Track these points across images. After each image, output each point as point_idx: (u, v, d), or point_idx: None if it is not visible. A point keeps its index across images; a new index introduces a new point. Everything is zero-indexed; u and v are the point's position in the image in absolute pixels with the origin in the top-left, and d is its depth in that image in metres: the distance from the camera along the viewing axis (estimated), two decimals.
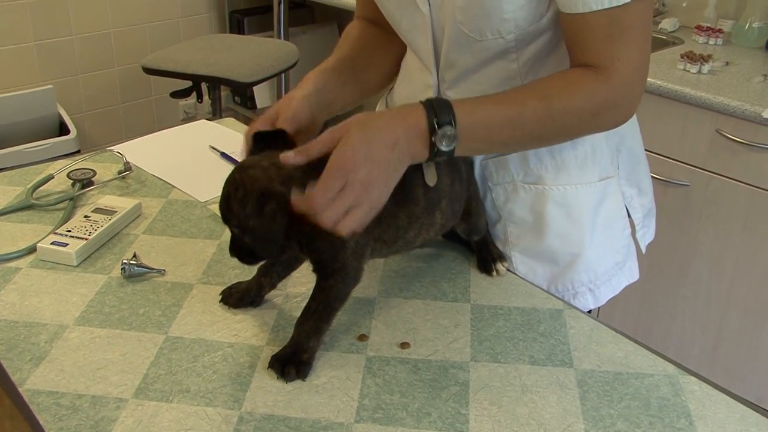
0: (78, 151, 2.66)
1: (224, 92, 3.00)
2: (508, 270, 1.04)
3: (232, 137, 1.42)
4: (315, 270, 0.87)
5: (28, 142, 2.65)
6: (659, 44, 2.32)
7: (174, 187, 1.24)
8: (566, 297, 1.05)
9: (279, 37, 3.22)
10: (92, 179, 1.23)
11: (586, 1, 0.83)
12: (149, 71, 2.70)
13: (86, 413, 0.78)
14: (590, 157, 1.03)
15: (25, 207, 1.16)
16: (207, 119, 1.56)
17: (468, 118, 0.84)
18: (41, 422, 0.76)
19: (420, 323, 0.93)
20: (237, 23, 3.42)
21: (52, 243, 1.03)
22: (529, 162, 1.02)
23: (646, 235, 1.17)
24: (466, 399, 0.81)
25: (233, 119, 1.56)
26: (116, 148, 1.35)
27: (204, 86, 2.83)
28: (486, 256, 1.03)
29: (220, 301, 0.95)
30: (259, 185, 0.78)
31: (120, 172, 1.26)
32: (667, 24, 2.39)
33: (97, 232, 1.06)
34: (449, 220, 0.96)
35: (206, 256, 1.05)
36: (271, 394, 0.81)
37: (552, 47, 0.94)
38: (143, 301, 0.96)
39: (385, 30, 1.08)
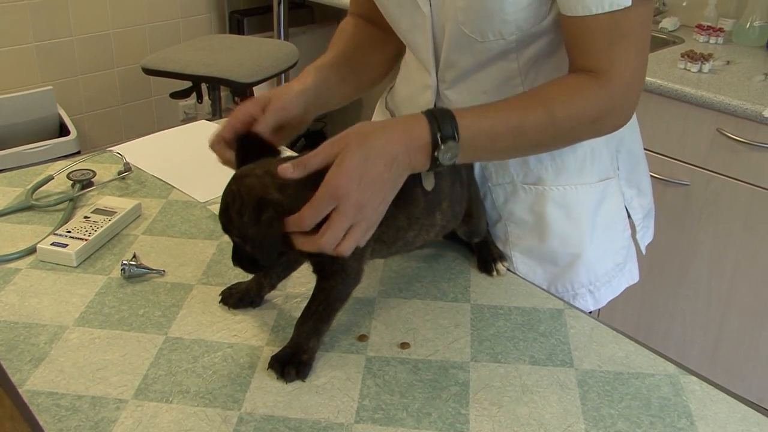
0: (78, 152, 2.66)
1: (224, 93, 2.99)
2: (509, 270, 1.04)
3: None
4: (315, 271, 0.87)
5: (28, 143, 2.65)
6: (660, 43, 2.31)
7: (174, 187, 1.24)
8: (566, 298, 1.05)
9: (279, 38, 3.22)
10: (92, 180, 1.22)
11: (586, 4, 0.83)
12: (149, 72, 2.70)
13: (86, 414, 0.77)
14: (589, 158, 1.02)
15: (24, 208, 1.16)
16: (207, 120, 1.56)
17: (470, 129, 0.83)
18: (41, 423, 0.76)
19: (420, 323, 0.93)
20: (237, 23, 3.42)
21: (52, 244, 1.03)
22: (529, 163, 1.02)
23: (646, 236, 1.17)
24: (466, 399, 0.81)
25: None
26: (116, 148, 1.35)
27: (204, 87, 2.83)
28: (486, 256, 1.03)
29: (219, 302, 0.95)
30: (255, 194, 0.79)
31: (120, 173, 1.26)
32: (668, 23, 2.39)
33: (96, 233, 1.06)
34: (450, 221, 0.95)
35: (206, 256, 1.05)
36: (270, 394, 0.81)
37: (553, 48, 0.94)
38: (143, 301, 0.95)
39: (379, 27, 1.08)
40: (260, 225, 0.78)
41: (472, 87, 0.99)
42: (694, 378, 0.85)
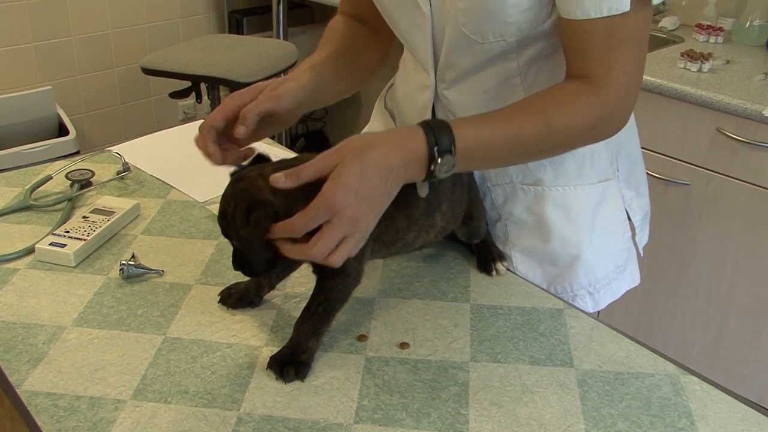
0: (77, 152, 2.66)
1: (223, 92, 2.99)
2: (508, 270, 1.04)
3: None
4: (315, 271, 0.87)
5: (27, 143, 2.65)
6: (659, 43, 2.31)
7: (172, 187, 1.24)
8: (565, 299, 1.04)
9: (278, 37, 3.22)
10: (91, 180, 1.22)
11: (584, 8, 0.83)
12: (148, 72, 2.70)
13: (84, 414, 0.77)
14: (588, 159, 1.02)
15: (23, 208, 1.16)
16: None
17: (467, 141, 0.83)
18: (39, 423, 0.76)
19: (419, 323, 0.92)
20: (236, 23, 3.41)
21: (51, 244, 1.03)
22: (528, 163, 1.01)
23: (642, 238, 1.17)
24: (465, 399, 0.81)
25: None
26: (115, 148, 1.35)
27: (203, 86, 2.82)
28: (486, 255, 1.03)
29: (218, 302, 0.95)
30: (247, 196, 0.80)
31: (118, 173, 1.25)
32: (667, 22, 2.38)
33: (95, 233, 1.06)
34: (450, 222, 0.95)
35: (205, 256, 1.05)
36: (269, 394, 0.81)
37: (553, 48, 0.94)
38: (142, 301, 0.95)
39: (369, 27, 1.08)
40: (249, 225, 0.78)
41: (472, 87, 0.99)
42: (694, 378, 0.85)
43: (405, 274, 1.02)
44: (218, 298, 0.95)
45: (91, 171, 1.23)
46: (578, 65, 0.87)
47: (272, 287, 0.95)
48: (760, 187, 1.88)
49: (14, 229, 1.11)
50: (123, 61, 3.18)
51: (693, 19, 2.37)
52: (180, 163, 1.31)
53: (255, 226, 0.79)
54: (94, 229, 1.06)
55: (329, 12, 3.49)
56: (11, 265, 1.02)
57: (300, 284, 0.98)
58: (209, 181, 1.22)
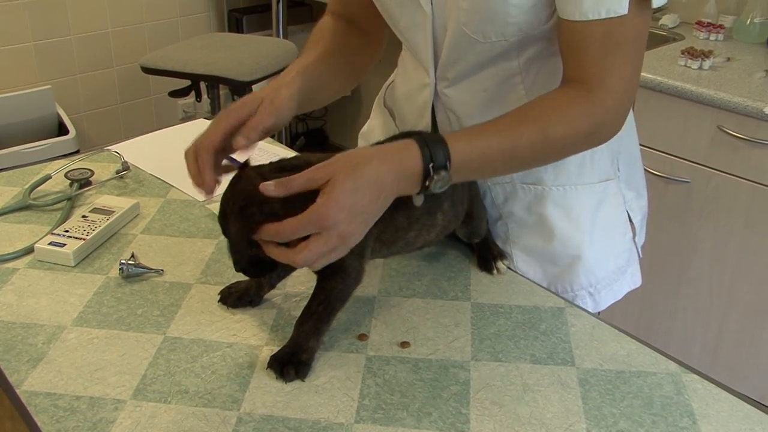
0: (77, 151, 2.66)
1: (223, 91, 2.99)
2: (509, 268, 1.03)
3: None
4: (315, 270, 0.86)
5: (27, 143, 2.64)
6: (659, 40, 2.31)
7: (172, 186, 1.24)
8: (565, 299, 1.04)
9: (278, 36, 3.22)
10: (90, 179, 1.22)
11: (583, 9, 0.82)
12: (148, 71, 2.69)
13: (84, 415, 0.77)
14: (589, 159, 1.02)
15: (22, 207, 1.15)
16: (206, 118, 1.55)
17: (462, 155, 0.82)
18: (39, 424, 0.76)
19: (420, 322, 0.92)
20: (236, 22, 3.41)
21: (50, 243, 1.02)
22: None
23: (641, 238, 1.16)
24: (467, 398, 0.80)
25: None
26: (114, 147, 1.34)
27: (203, 85, 2.82)
28: (486, 254, 1.03)
29: (218, 301, 0.94)
30: (245, 194, 0.80)
31: (118, 172, 1.25)
32: (668, 20, 2.38)
33: (95, 232, 1.05)
34: (451, 222, 0.95)
35: (205, 255, 1.05)
36: (270, 394, 0.80)
37: (554, 48, 0.93)
38: (141, 301, 0.95)
39: (358, 28, 1.06)
40: (241, 221, 0.79)
41: (472, 85, 0.98)
42: (696, 376, 0.84)
43: (405, 272, 1.02)
44: (218, 297, 0.95)
45: (91, 170, 1.23)
46: (575, 69, 0.86)
47: (272, 287, 0.95)
48: (760, 184, 1.88)
49: (13, 229, 1.10)
50: (122, 60, 3.18)
51: (693, 17, 2.36)
52: (180, 162, 1.29)
53: (246, 221, 0.79)
54: (93, 228, 1.06)
55: None
56: (10, 264, 1.02)
57: (300, 283, 0.98)
58: None
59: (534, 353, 0.87)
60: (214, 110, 2.87)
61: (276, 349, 0.85)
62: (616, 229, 1.07)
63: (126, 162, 1.27)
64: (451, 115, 1.02)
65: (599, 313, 1.07)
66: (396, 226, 0.88)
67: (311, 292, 0.86)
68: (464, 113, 1.00)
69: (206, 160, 0.86)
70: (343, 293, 0.86)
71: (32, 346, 0.87)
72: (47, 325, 0.90)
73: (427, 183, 0.81)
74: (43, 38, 2.95)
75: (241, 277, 0.96)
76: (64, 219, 1.12)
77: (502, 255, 1.03)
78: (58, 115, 2.88)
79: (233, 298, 0.94)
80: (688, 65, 2.03)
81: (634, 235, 1.11)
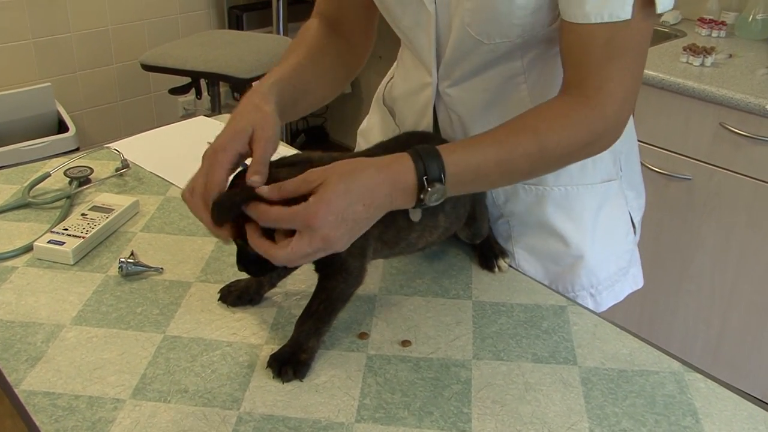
0: (77, 149, 2.65)
1: (223, 88, 2.98)
2: (510, 266, 1.03)
3: None
4: (317, 269, 0.86)
5: (26, 140, 2.64)
6: (661, 37, 2.30)
7: (172, 184, 1.23)
8: None
9: (278, 33, 3.21)
10: (89, 177, 1.21)
11: (586, 12, 0.81)
12: (148, 68, 2.68)
13: (83, 414, 0.76)
14: (591, 159, 1.00)
15: (21, 205, 1.15)
16: (206, 116, 1.54)
17: (458, 167, 0.80)
18: (37, 423, 0.75)
19: (421, 321, 0.92)
20: (236, 19, 3.40)
21: (49, 241, 1.02)
22: None
23: (636, 236, 1.15)
24: (468, 397, 0.80)
25: None
26: (114, 145, 1.34)
27: (203, 82, 2.81)
28: (488, 252, 1.02)
29: (218, 299, 0.94)
30: (247, 187, 0.79)
31: (117, 170, 1.24)
32: (669, 16, 2.37)
33: (94, 231, 1.05)
34: (453, 223, 0.94)
35: (204, 253, 1.04)
36: (270, 393, 0.80)
37: (557, 48, 0.92)
38: (141, 299, 0.94)
39: (344, 34, 1.04)
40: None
41: (474, 85, 0.97)
42: (699, 375, 0.84)
43: (406, 271, 1.01)
44: (218, 295, 0.94)
45: (90, 168, 1.22)
46: (575, 74, 0.85)
47: (273, 285, 0.95)
48: (762, 181, 1.87)
49: (12, 227, 1.10)
50: (122, 58, 3.17)
51: (695, 13, 2.35)
52: (179, 160, 1.30)
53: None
54: (92, 226, 1.06)
55: None
56: (9, 263, 1.01)
57: (300, 281, 0.97)
58: None
59: (536, 352, 0.87)
60: (215, 107, 2.86)
61: (276, 348, 0.85)
62: (618, 230, 1.07)
63: (125, 160, 1.26)
64: (453, 115, 1.01)
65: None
66: (398, 227, 0.87)
67: (311, 290, 0.86)
68: (466, 113, 0.99)
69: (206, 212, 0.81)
70: (345, 293, 0.85)
71: (31, 345, 0.86)
72: (46, 323, 0.90)
73: (421, 196, 0.79)
74: (43, 35, 2.94)
75: (241, 275, 0.96)
76: (64, 217, 1.11)
77: (503, 253, 1.03)
78: (58, 113, 2.87)
79: (233, 297, 0.93)
80: (690, 62, 2.02)
81: (635, 235, 1.10)
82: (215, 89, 2.83)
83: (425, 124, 1.04)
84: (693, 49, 2.02)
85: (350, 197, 0.76)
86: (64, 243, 1.01)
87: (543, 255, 1.04)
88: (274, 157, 0.85)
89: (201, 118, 1.52)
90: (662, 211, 2.08)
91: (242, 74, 2.59)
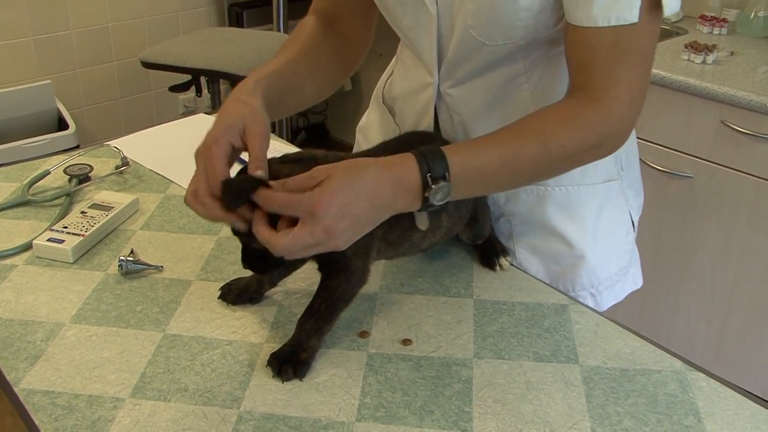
0: (77, 146, 2.65)
1: (224, 86, 2.97)
2: (512, 264, 1.03)
3: None
4: (320, 268, 0.86)
5: (26, 138, 2.63)
6: (662, 34, 2.29)
7: (172, 182, 1.23)
8: None
9: (278, 30, 3.20)
10: (89, 175, 1.21)
11: (592, 15, 0.80)
12: (148, 65, 2.68)
13: (82, 413, 0.76)
14: None
15: (21, 203, 1.14)
16: (206, 113, 1.54)
17: (462, 167, 0.80)
18: (37, 422, 0.75)
19: (422, 319, 0.91)
20: (236, 16, 3.39)
21: (49, 239, 1.02)
22: None
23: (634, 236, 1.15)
24: (469, 396, 0.79)
25: None
26: (113, 142, 1.34)
27: (203, 80, 2.81)
28: (489, 250, 1.02)
29: (218, 297, 0.93)
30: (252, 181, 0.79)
31: (117, 167, 1.24)
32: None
33: (93, 229, 1.04)
34: (456, 224, 0.94)
35: (204, 251, 1.04)
36: (270, 392, 0.79)
37: (560, 48, 0.92)
38: (141, 298, 0.94)
39: (340, 32, 1.03)
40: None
41: (476, 86, 0.97)
42: (701, 374, 0.83)
43: (407, 269, 1.01)
44: (218, 294, 0.94)
45: (90, 166, 1.22)
46: (581, 78, 0.84)
47: (273, 284, 0.94)
48: (764, 179, 1.87)
49: (12, 225, 1.09)
50: (122, 55, 3.17)
51: (697, 10, 2.35)
52: (179, 157, 1.29)
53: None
54: (92, 224, 1.05)
55: None
56: (9, 261, 1.01)
57: (301, 280, 0.97)
58: None
59: (537, 351, 0.86)
60: (215, 105, 2.86)
61: (276, 346, 0.84)
62: (618, 230, 1.06)
63: (125, 157, 1.26)
64: (454, 116, 1.00)
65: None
66: (402, 227, 0.86)
67: (312, 289, 0.86)
68: (467, 113, 0.99)
69: (209, 204, 0.80)
70: (347, 293, 0.85)
71: (30, 344, 0.86)
72: (45, 322, 0.89)
73: (426, 195, 0.78)
74: (42, 33, 2.94)
75: (241, 273, 0.96)
76: (63, 215, 1.11)
77: (504, 251, 1.02)
78: (58, 110, 2.87)
79: (233, 295, 0.93)
80: (691, 59, 2.01)
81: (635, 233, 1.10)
82: (215, 87, 2.83)
83: (426, 124, 1.03)
84: (694, 47, 2.02)
85: (354, 191, 0.75)
86: (63, 241, 1.01)
87: (544, 254, 1.04)
88: (269, 154, 0.84)
89: (201, 115, 1.52)
90: (663, 210, 2.08)
91: (242, 72, 2.58)
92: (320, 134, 3.79)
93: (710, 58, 1.99)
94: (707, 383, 0.82)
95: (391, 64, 1.16)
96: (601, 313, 0.94)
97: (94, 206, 1.10)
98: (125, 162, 1.25)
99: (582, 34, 0.82)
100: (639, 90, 0.84)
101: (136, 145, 1.33)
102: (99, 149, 1.32)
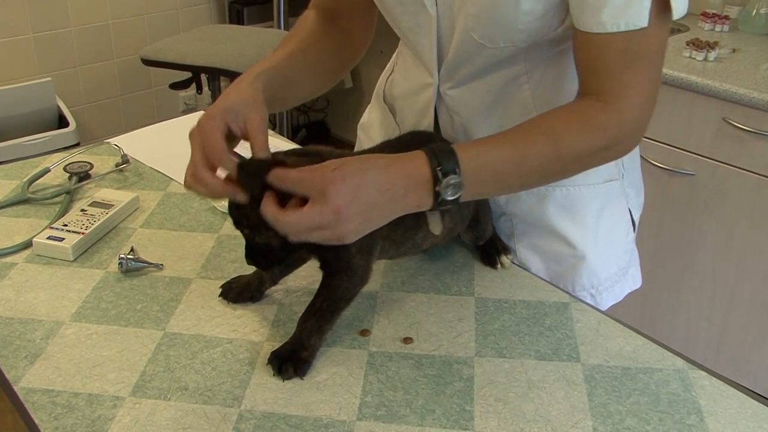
0: (77, 144, 2.64)
1: (224, 83, 2.97)
2: (513, 263, 1.02)
3: None
4: (321, 267, 0.85)
5: (27, 135, 2.63)
6: None
7: (172, 179, 1.22)
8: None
9: (279, 27, 3.20)
10: (89, 172, 1.21)
11: (602, 21, 0.79)
12: (148, 62, 2.67)
13: (82, 412, 0.76)
14: None
15: (21, 201, 1.14)
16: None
17: (472, 163, 0.79)
18: (36, 421, 0.75)
19: (423, 317, 0.91)
20: (236, 13, 3.39)
21: (48, 237, 1.01)
22: None
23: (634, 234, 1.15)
24: (470, 395, 0.79)
25: None
26: (113, 140, 1.33)
27: (204, 77, 2.80)
28: (490, 248, 1.01)
29: (219, 295, 0.93)
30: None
31: (117, 165, 1.24)
32: None
33: (93, 226, 1.04)
34: (457, 225, 0.94)
35: (205, 249, 1.03)
36: (271, 391, 0.79)
37: (562, 50, 0.91)
38: (141, 296, 0.94)
39: (340, 27, 1.03)
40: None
41: (477, 87, 0.96)
42: (703, 373, 0.83)
43: (408, 267, 1.01)
44: (219, 292, 0.94)
45: (90, 163, 1.22)
46: (592, 83, 0.83)
47: (274, 283, 0.94)
48: (766, 177, 1.86)
49: (12, 223, 1.09)
50: (123, 52, 3.16)
51: (698, 8, 2.34)
52: (180, 155, 1.28)
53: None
54: (92, 222, 1.05)
55: None
56: (9, 259, 1.01)
57: (302, 278, 0.97)
58: None
59: (539, 349, 0.86)
60: None
61: (277, 345, 0.84)
62: (619, 231, 1.06)
63: (125, 155, 1.25)
64: (455, 116, 1.00)
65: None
66: (405, 226, 0.86)
67: (313, 287, 0.85)
68: (467, 113, 0.98)
69: (216, 182, 0.80)
70: (349, 292, 0.84)
71: (30, 342, 0.85)
72: (45, 320, 0.89)
73: (437, 188, 0.78)
74: (42, 30, 2.93)
75: (242, 271, 0.95)
76: (63, 213, 1.10)
77: (506, 249, 1.02)
78: (58, 108, 2.87)
79: (234, 293, 0.93)
80: (693, 56, 2.01)
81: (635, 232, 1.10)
82: (216, 84, 2.82)
83: (426, 124, 1.03)
84: (696, 44, 2.01)
85: (367, 179, 0.75)
86: (63, 239, 1.01)
87: (545, 254, 1.03)
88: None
89: (202, 113, 1.51)
90: (664, 207, 2.07)
91: (243, 69, 2.57)
92: (321, 132, 3.78)
93: (712, 55, 1.99)
94: (709, 382, 0.82)
95: (391, 61, 1.15)
96: (602, 312, 0.94)
97: (94, 204, 1.10)
98: (125, 159, 1.24)
99: (591, 40, 0.81)
100: (651, 93, 0.83)
101: (136, 143, 1.33)
102: (99, 147, 1.32)
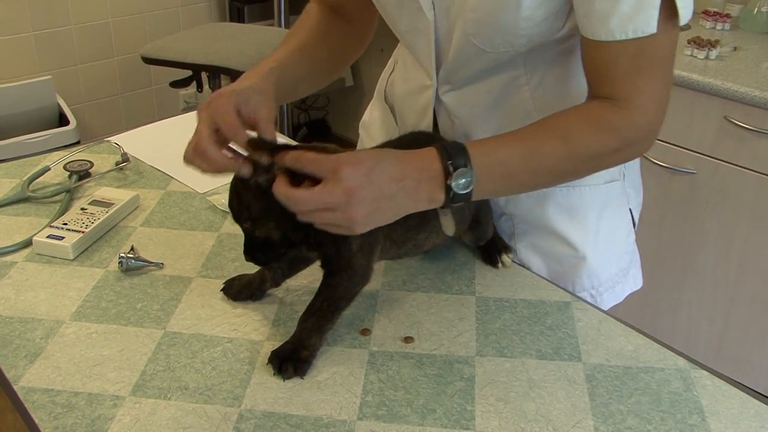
0: (78, 142, 2.64)
1: (224, 81, 2.96)
2: (514, 262, 1.02)
3: None
4: (322, 266, 0.85)
5: (27, 133, 2.63)
6: None
7: (172, 178, 1.22)
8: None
9: (279, 26, 3.19)
10: (89, 171, 1.20)
11: (610, 29, 0.78)
12: (149, 61, 2.67)
13: (82, 411, 0.76)
14: None
15: (20, 200, 1.14)
16: None
17: (484, 158, 0.79)
18: (36, 421, 0.75)
19: (424, 317, 0.91)
20: (237, 12, 3.38)
21: (48, 236, 1.01)
22: None
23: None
24: (471, 395, 0.79)
25: None
26: (114, 138, 1.33)
27: (204, 76, 2.80)
28: (491, 247, 1.01)
29: (221, 290, 0.93)
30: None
31: (117, 164, 1.23)
32: None
33: (94, 225, 1.04)
34: (458, 225, 0.93)
35: (205, 248, 1.03)
36: (271, 390, 0.79)
37: (561, 51, 0.91)
38: (141, 295, 0.94)
39: (344, 18, 1.03)
40: (260, 187, 0.78)
41: (476, 89, 0.96)
42: (705, 372, 0.83)
43: (409, 266, 1.00)
44: (219, 291, 0.93)
45: (90, 162, 1.21)
46: (604, 89, 0.83)
47: (276, 284, 0.93)
48: (767, 175, 1.86)
49: (11, 222, 1.09)
50: (123, 50, 3.16)
51: (700, 6, 2.33)
52: (180, 154, 1.28)
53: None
54: (92, 221, 1.05)
55: None
56: (8, 258, 1.01)
57: (303, 277, 0.96)
58: None
59: (540, 348, 0.86)
60: None
61: (277, 344, 0.84)
62: (620, 231, 1.05)
63: (125, 153, 1.25)
64: (454, 118, 0.99)
65: None
66: (407, 226, 0.86)
67: (313, 286, 0.85)
68: (467, 115, 0.98)
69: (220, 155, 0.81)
70: (349, 291, 0.84)
71: (30, 341, 0.85)
72: (45, 319, 0.89)
73: (448, 181, 0.78)
74: (43, 28, 2.93)
75: (242, 270, 0.95)
76: (63, 211, 1.10)
77: (507, 248, 1.02)
78: (59, 106, 2.86)
79: (234, 290, 0.93)
80: (694, 55, 2.00)
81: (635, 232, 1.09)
82: (216, 82, 2.82)
83: (425, 125, 1.02)
84: (697, 42, 2.01)
85: (380, 165, 0.76)
86: (63, 238, 1.01)
87: (546, 254, 1.03)
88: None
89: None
90: (665, 206, 2.07)
91: (243, 67, 2.57)
92: (321, 130, 3.78)
93: (713, 53, 1.98)
94: (711, 381, 0.82)
95: (391, 60, 1.15)
96: (603, 311, 0.93)
97: (95, 203, 1.09)
98: (126, 158, 1.24)
99: (600, 48, 0.80)
100: (663, 96, 0.83)
101: (136, 141, 1.32)
102: (99, 145, 1.31)
